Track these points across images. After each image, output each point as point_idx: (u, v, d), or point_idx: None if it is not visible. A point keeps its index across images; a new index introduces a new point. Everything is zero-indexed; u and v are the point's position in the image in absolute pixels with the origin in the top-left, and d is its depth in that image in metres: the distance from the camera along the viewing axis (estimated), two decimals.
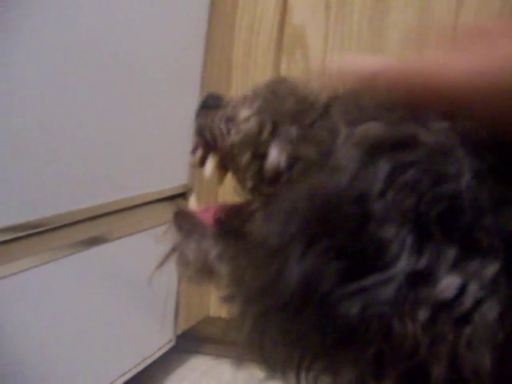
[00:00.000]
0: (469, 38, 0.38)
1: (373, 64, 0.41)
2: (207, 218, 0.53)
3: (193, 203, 0.57)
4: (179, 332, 1.33)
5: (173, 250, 0.52)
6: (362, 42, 0.99)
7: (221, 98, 0.55)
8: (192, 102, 1.05)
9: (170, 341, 1.31)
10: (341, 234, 0.33)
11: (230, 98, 0.54)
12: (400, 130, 0.36)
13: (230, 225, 0.50)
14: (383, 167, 0.34)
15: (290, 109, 0.47)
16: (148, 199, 1.09)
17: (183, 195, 1.17)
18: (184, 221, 0.54)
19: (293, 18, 1.08)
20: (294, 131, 0.46)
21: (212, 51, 1.11)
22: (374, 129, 0.38)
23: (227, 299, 0.44)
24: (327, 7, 1.07)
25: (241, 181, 0.50)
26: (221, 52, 1.12)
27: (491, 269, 0.31)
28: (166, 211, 1.05)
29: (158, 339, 1.26)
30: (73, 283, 0.96)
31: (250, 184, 0.49)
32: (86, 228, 0.97)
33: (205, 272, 0.51)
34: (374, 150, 0.35)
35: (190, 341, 1.40)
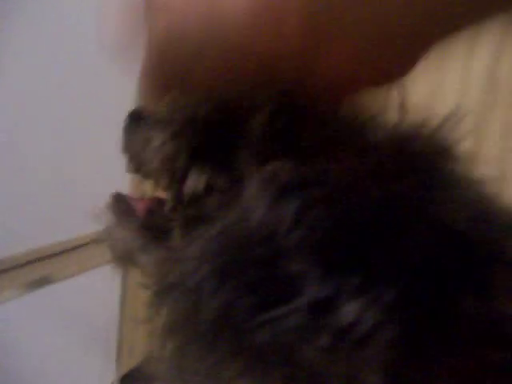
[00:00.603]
0: None
1: None
2: (141, 207, 0.54)
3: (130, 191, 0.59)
4: (122, 373, 1.32)
5: (104, 232, 0.54)
6: None
7: (143, 111, 0.55)
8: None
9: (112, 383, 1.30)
10: (252, 271, 0.34)
11: (153, 115, 0.54)
12: (308, 169, 0.38)
13: (157, 221, 0.52)
14: (291, 205, 0.36)
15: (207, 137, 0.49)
16: (93, 238, 1.08)
17: None
18: (119, 205, 0.55)
19: None
20: (210, 159, 0.48)
21: None
22: (283, 167, 0.40)
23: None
24: None
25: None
26: None
27: (389, 295, 0.33)
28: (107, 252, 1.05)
29: (101, 380, 1.25)
30: (18, 324, 0.96)
31: (169, 204, 0.51)
32: (32, 269, 0.97)
33: (126, 260, 0.53)
34: (283, 189, 0.37)
35: (134, 382, 1.39)
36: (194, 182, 0.48)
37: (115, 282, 1.18)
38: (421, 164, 0.40)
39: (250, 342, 0.34)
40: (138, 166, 0.54)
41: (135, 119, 0.55)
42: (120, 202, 0.56)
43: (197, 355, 0.37)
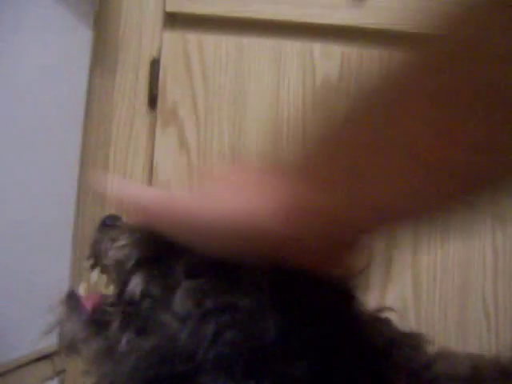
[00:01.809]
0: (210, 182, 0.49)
1: (145, 196, 0.51)
2: (89, 304, 0.62)
3: (81, 290, 0.66)
4: None
5: (56, 323, 0.62)
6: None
7: (118, 218, 0.65)
8: (63, 261, 1.11)
9: None
10: (174, 381, 0.42)
11: (125, 222, 0.65)
12: (225, 295, 0.47)
13: (100, 316, 0.59)
14: (209, 330, 0.43)
15: (160, 247, 0.57)
16: (25, 361, 1.03)
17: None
18: (70, 301, 0.63)
19: (158, 177, 1.18)
20: (158, 266, 0.56)
21: (83, 218, 1.17)
22: (205, 286, 0.48)
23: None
24: (189, 165, 1.19)
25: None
26: (93, 213, 1.18)
27: None
28: (46, 370, 1.05)
29: None
30: None
31: (110, 300, 0.59)
32: None
33: (72, 349, 0.61)
34: (203, 314, 0.45)
35: None
36: (135, 286, 0.55)
37: None
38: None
39: None
40: (97, 261, 0.63)
41: (106, 224, 0.65)
42: (71, 299, 0.63)
43: None
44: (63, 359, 1.08)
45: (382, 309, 0.54)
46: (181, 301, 0.48)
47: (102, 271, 0.63)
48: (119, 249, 0.60)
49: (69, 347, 0.61)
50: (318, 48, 1.21)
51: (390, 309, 0.55)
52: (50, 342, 1.10)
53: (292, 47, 1.21)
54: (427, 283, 1.17)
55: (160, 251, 0.58)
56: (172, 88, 1.20)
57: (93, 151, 1.18)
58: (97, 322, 0.60)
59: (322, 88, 1.20)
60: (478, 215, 0.42)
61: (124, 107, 1.21)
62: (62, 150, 1.09)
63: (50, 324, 0.63)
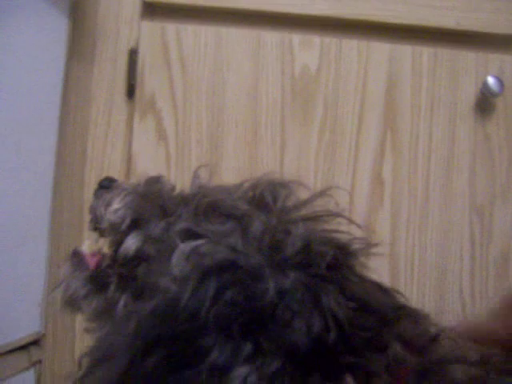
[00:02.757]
0: None
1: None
2: (92, 262, 0.65)
3: (85, 247, 0.68)
4: None
5: (61, 280, 0.65)
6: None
7: (114, 180, 0.69)
8: (39, 252, 1.10)
9: None
10: (176, 344, 0.42)
11: (120, 183, 0.68)
12: (223, 251, 0.47)
13: (100, 275, 0.62)
14: (209, 289, 0.43)
15: (153, 209, 0.60)
16: (1, 351, 1.01)
17: (36, 343, 1.13)
18: (75, 259, 0.66)
19: (137, 167, 1.17)
20: (152, 228, 0.58)
21: (61, 204, 1.17)
22: (203, 247, 0.49)
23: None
24: (167, 156, 1.18)
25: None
26: (71, 203, 1.19)
27: (273, 366, 0.41)
28: (22, 360, 1.06)
29: None
30: None
31: (106, 262, 0.62)
32: None
33: (73, 305, 0.64)
34: (203, 273, 0.45)
35: None
36: (129, 246, 0.57)
37: None
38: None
39: None
40: (95, 224, 0.66)
41: (103, 186, 0.68)
42: (76, 256, 0.66)
43: None
44: (39, 350, 1.07)
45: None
46: (178, 263, 0.49)
47: (101, 234, 0.66)
48: (113, 213, 0.62)
49: (70, 303, 0.64)
50: (297, 38, 1.21)
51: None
52: (26, 333, 1.13)
53: (271, 37, 1.21)
54: (405, 273, 1.18)
55: (153, 213, 0.59)
56: (150, 78, 1.19)
57: (70, 142, 1.17)
58: (97, 279, 0.63)
59: (301, 78, 1.20)
60: None
61: (102, 97, 1.20)
62: (37, 141, 1.07)
63: (57, 280, 0.66)
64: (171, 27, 1.20)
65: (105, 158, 1.19)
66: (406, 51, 1.22)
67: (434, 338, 0.49)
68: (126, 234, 0.59)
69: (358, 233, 0.56)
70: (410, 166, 1.20)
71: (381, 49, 1.22)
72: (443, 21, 1.22)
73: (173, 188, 0.66)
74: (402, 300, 0.53)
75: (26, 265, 1.05)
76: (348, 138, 1.20)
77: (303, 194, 0.59)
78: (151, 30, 1.20)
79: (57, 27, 1.12)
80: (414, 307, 0.53)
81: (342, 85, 1.21)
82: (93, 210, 0.67)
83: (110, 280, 0.60)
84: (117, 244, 0.60)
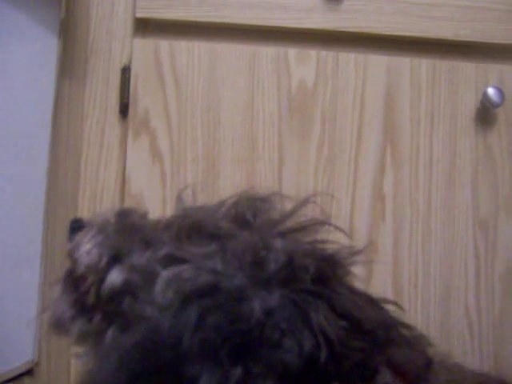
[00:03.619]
0: None
1: None
2: (84, 284, 0.62)
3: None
4: None
5: (50, 302, 0.64)
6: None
7: (81, 220, 0.67)
8: (32, 277, 1.06)
9: None
10: (160, 375, 0.41)
11: (90, 220, 0.66)
12: (204, 275, 0.45)
13: (88, 299, 0.60)
14: (191, 315, 0.42)
15: (133, 242, 0.58)
16: None
17: (29, 372, 1.10)
18: (67, 279, 0.64)
19: (131, 188, 1.15)
20: (136, 258, 0.56)
21: (54, 228, 1.13)
22: (185, 272, 0.47)
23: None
24: (163, 175, 1.16)
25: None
26: (65, 226, 1.15)
27: None
28: None
29: None
30: None
31: (91, 300, 0.59)
32: None
33: (59, 327, 0.62)
34: (184, 299, 0.44)
35: None
36: (113, 280, 0.56)
37: None
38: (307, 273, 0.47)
39: None
40: (73, 266, 0.63)
41: (74, 229, 0.66)
42: (67, 278, 0.64)
43: None
44: (33, 381, 1.05)
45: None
46: (160, 291, 0.47)
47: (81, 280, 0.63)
48: (86, 254, 0.60)
49: (56, 325, 0.62)
50: (293, 52, 1.19)
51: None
52: (19, 362, 1.10)
53: (266, 52, 1.19)
54: (408, 290, 1.16)
55: (134, 246, 0.57)
56: (143, 96, 1.17)
57: (62, 163, 1.15)
58: (85, 303, 0.60)
59: (298, 93, 1.18)
60: None
61: (95, 117, 1.18)
62: (29, 162, 1.05)
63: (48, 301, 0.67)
64: (164, 44, 1.18)
65: (98, 179, 1.16)
66: (404, 63, 1.20)
67: (428, 365, 0.47)
68: (105, 271, 0.58)
69: (346, 241, 0.54)
70: (411, 181, 1.18)
71: (379, 61, 1.20)
72: (441, 32, 1.20)
73: (145, 214, 0.65)
74: (393, 314, 0.51)
75: (19, 290, 1.02)
76: (347, 152, 1.18)
77: (288, 206, 0.57)
78: (144, 46, 1.18)
79: (46, 47, 1.09)
80: (408, 324, 0.50)
81: (339, 98, 1.19)
82: (71, 254, 0.65)
83: (94, 312, 0.59)
84: (98, 282, 0.58)
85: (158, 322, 0.43)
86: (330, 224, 0.56)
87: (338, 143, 1.18)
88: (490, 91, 1.16)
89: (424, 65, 1.21)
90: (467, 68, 1.21)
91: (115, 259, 0.58)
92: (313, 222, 0.54)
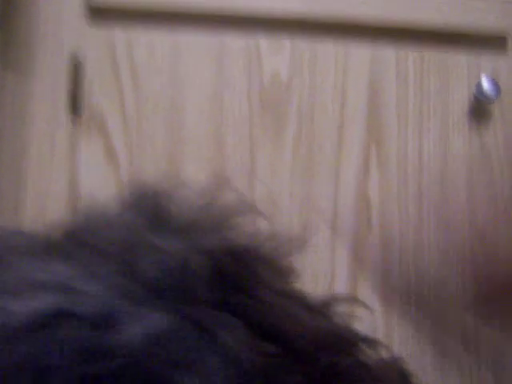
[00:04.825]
0: None
1: None
2: None
3: None
4: None
5: None
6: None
7: None
8: None
9: None
10: None
11: None
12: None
13: None
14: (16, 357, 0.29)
15: None
16: None
17: None
18: None
19: (84, 193, 1.03)
20: None
21: None
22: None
23: None
24: (118, 181, 1.05)
25: None
26: None
27: None
28: None
29: None
30: None
31: None
32: None
33: None
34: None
35: None
36: None
37: None
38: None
39: None
40: None
41: None
42: None
43: None
44: None
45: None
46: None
47: None
48: None
49: None
50: (264, 42, 1.09)
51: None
52: None
53: (235, 43, 1.09)
54: (400, 305, 1.04)
55: None
56: (98, 93, 1.06)
57: (6, 167, 1.03)
58: None
59: (271, 88, 1.07)
60: None
61: (43, 116, 1.06)
62: None
63: None
64: (121, 35, 1.08)
65: (47, 183, 1.04)
66: (389, 55, 1.12)
67: None
68: None
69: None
70: (399, 185, 1.08)
71: (360, 53, 1.11)
72: (430, 20, 1.11)
73: None
74: (335, 317, 0.38)
75: None
76: (327, 154, 1.08)
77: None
78: (98, 38, 1.07)
79: None
80: (375, 339, 0.37)
81: (317, 94, 1.09)
82: None
83: None
84: None
85: None
86: (245, 209, 0.41)
87: (317, 143, 1.08)
88: (484, 84, 1.08)
89: (411, 56, 1.12)
90: (458, 59, 1.13)
91: None
92: (223, 211, 0.40)
